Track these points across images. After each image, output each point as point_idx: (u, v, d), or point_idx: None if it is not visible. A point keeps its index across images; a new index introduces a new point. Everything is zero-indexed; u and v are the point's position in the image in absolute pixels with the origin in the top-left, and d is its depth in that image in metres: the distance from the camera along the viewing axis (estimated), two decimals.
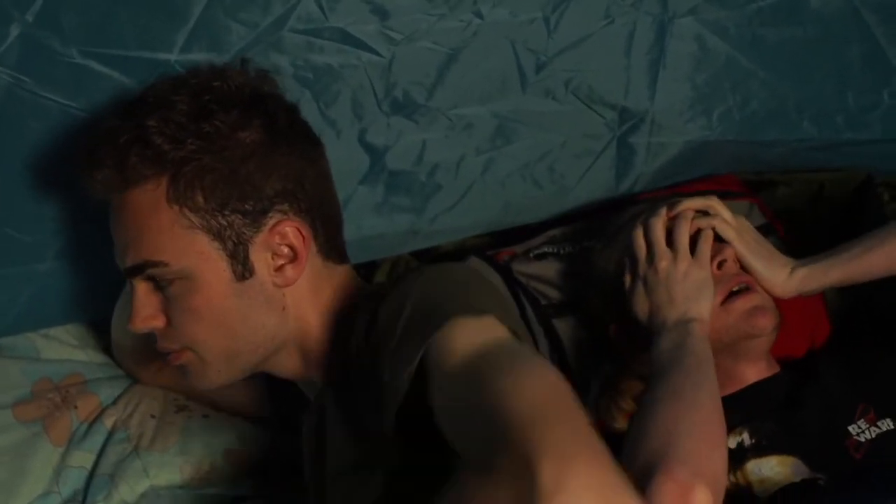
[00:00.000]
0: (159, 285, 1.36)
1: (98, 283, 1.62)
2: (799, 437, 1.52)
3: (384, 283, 1.49)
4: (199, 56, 1.43)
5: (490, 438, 0.97)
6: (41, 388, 1.67)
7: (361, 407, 1.31)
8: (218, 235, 1.33)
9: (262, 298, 1.37)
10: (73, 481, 1.60)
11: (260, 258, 1.35)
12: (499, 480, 0.93)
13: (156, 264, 1.33)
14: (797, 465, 1.48)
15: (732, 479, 1.49)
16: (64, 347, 1.73)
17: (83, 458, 1.62)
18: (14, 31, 1.35)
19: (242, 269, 1.34)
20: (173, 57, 1.42)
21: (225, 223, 1.33)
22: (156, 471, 1.61)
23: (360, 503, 1.33)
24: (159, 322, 1.38)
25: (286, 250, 1.36)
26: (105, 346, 1.74)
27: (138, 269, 1.35)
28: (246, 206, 1.33)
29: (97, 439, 1.64)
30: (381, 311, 1.27)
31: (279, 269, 1.36)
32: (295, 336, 1.40)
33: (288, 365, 1.44)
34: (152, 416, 1.67)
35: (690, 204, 1.63)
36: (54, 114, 1.43)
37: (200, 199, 1.32)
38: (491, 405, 0.99)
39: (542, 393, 0.99)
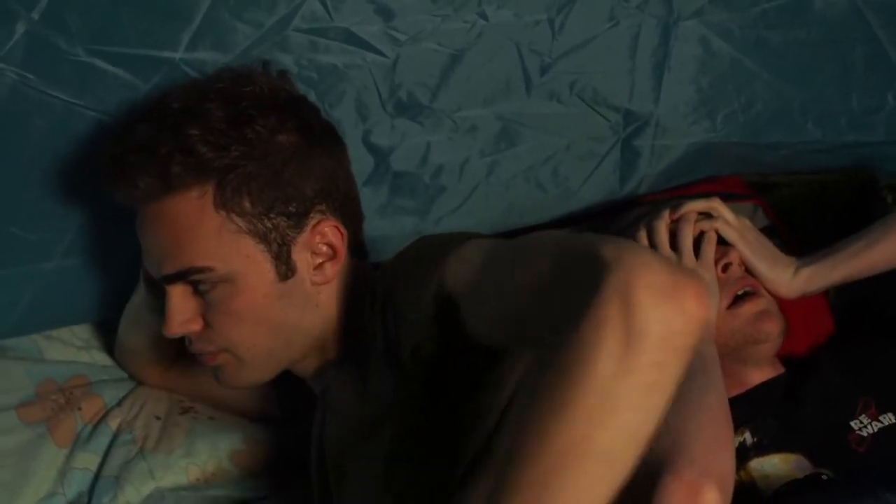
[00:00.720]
0: (198, 289, 1.37)
1: (103, 284, 1.63)
2: (800, 434, 1.52)
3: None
4: (204, 55, 1.43)
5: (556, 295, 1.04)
6: (45, 390, 1.66)
7: (372, 365, 1.35)
8: (264, 238, 1.36)
9: (301, 297, 1.40)
10: (77, 483, 1.60)
11: (301, 258, 1.39)
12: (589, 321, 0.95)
13: (201, 270, 1.35)
14: (800, 461, 1.48)
15: (735, 476, 1.49)
16: (68, 349, 1.73)
17: (88, 460, 1.62)
18: (20, 29, 1.36)
19: (286, 269, 1.37)
20: (178, 55, 1.42)
21: (270, 226, 1.36)
22: (161, 472, 1.61)
23: (367, 466, 1.34)
24: (197, 326, 1.39)
25: (325, 248, 1.40)
26: (109, 347, 1.74)
27: (180, 276, 1.36)
28: (290, 208, 1.36)
29: (102, 441, 1.63)
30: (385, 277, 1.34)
31: (319, 266, 1.40)
32: (321, 334, 1.43)
33: (312, 361, 1.46)
34: (157, 418, 1.67)
35: (693, 206, 1.63)
36: (60, 112, 1.43)
37: (247, 204, 1.34)
38: (535, 275, 1.08)
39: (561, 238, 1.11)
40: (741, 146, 1.75)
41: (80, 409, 1.66)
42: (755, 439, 1.53)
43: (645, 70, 1.65)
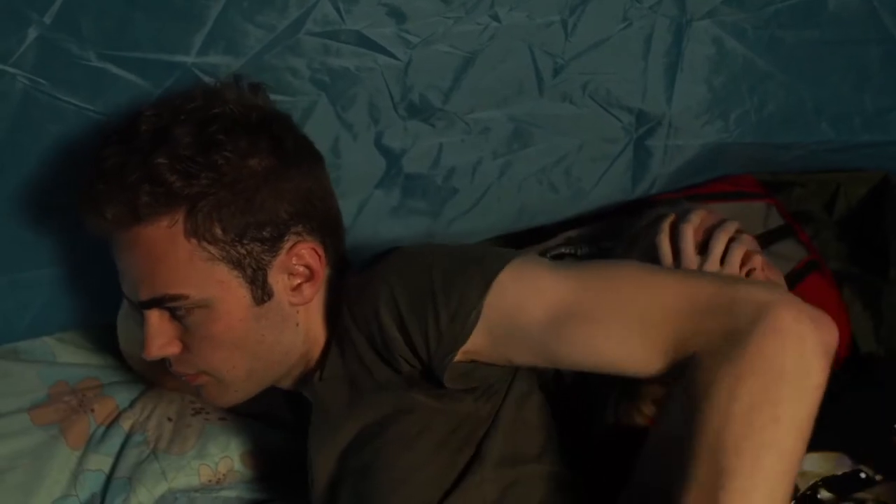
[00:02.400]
0: (175, 314, 1.36)
1: (114, 286, 1.62)
2: (844, 434, 1.50)
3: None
4: (217, 59, 1.43)
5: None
6: (58, 392, 1.67)
7: (362, 367, 1.37)
8: (237, 264, 1.34)
9: (279, 319, 1.39)
10: (90, 484, 1.60)
11: (278, 280, 1.37)
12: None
13: (175, 297, 1.34)
14: (841, 459, 1.47)
15: None
16: (80, 351, 1.73)
17: (101, 462, 1.62)
18: (32, 33, 1.35)
19: (262, 293, 1.36)
20: (190, 59, 1.42)
21: (244, 252, 1.34)
22: (174, 473, 1.61)
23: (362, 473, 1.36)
24: (175, 349, 1.39)
25: (303, 270, 1.39)
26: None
27: (155, 303, 1.35)
28: (263, 233, 1.35)
29: (115, 442, 1.63)
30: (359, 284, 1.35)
31: (296, 288, 1.39)
32: (308, 348, 1.43)
33: (295, 375, 1.46)
34: (169, 419, 1.67)
35: (735, 225, 1.63)
36: (72, 117, 1.43)
37: (219, 232, 1.32)
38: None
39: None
40: (754, 146, 1.74)
41: (92, 410, 1.66)
42: None
43: (658, 71, 1.64)
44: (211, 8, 1.40)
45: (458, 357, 1.29)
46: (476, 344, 1.28)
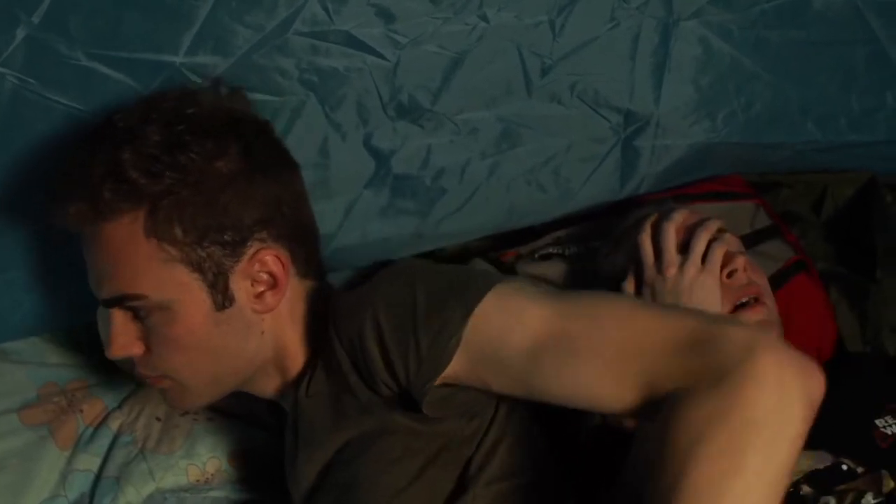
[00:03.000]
0: (138, 315, 1.36)
1: None
2: (825, 431, 1.50)
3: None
4: (205, 59, 1.42)
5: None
6: (47, 392, 1.66)
7: (347, 387, 1.35)
8: (197, 267, 1.33)
9: (242, 325, 1.38)
10: (79, 484, 1.60)
11: (240, 287, 1.37)
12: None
13: (134, 297, 1.34)
14: (821, 455, 1.47)
15: None
16: (69, 352, 1.73)
17: (89, 462, 1.62)
18: (20, 33, 1.35)
19: (223, 298, 1.35)
20: (179, 59, 1.42)
21: (204, 255, 1.33)
22: (162, 473, 1.61)
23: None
24: (137, 350, 1.39)
25: (266, 277, 1.38)
26: None
27: (115, 301, 1.35)
28: (225, 237, 1.34)
29: (103, 442, 1.64)
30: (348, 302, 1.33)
31: (259, 295, 1.38)
32: (274, 357, 1.43)
33: (267, 385, 1.46)
34: (158, 419, 1.67)
35: (718, 223, 1.63)
36: (61, 116, 1.42)
37: (179, 233, 1.32)
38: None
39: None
40: (742, 146, 1.75)
41: (81, 411, 1.66)
42: None
43: (645, 71, 1.65)
44: (199, 8, 1.40)
45: (438, 382, 1.28)
46: (455, 370, 1.27)
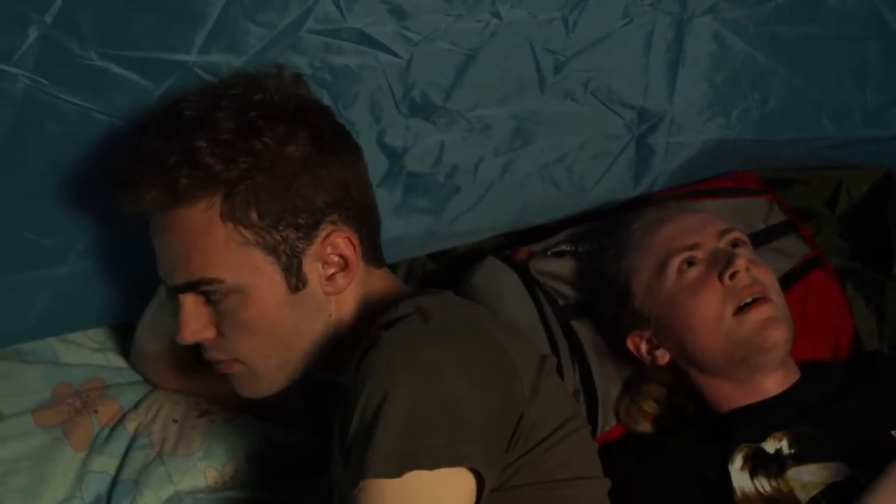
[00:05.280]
0: (210, 299, 1.37)
1: (118, 287, 1.62)
2: (842, 442, 1.49)
3: (418, 292, 1.47)
4: (218, 57, 1.42)
5: None
6: (61, 393, 1.66)
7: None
8: (273, 250, 1.35)
9: (313, 307, 1.39)
10: (95, 486, 1.59)
11: (312, 269, 1.38)
12: None
13: (210, 281, 1.35)
14: (838, 467, 1.46)
15: (774, 485, 1.47)
16: (83, 352, 1.72)
17: (106, 464, 1.61)
18: (33, 33, 1.35)
19: (296, 280, 1.37)
20: (191, 58, 1.42)
21: (279, 238, 1.35)
22: (180, 476, 1.60)
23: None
24: (209, 334, 1.40)
25: (337, 259, 1.39)
26: (125, 350, 1.74)
27: (191, 287, 1.37)
28: (299, 220, 1.35)
29: (120, 444, 1.63)
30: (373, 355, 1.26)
31: (330, 277, 1.39)
32: (334, 337, 1.42)
33: (327, 366, 1.45)
34: (175, 421, 1.66)
35: None
36: (73, 116, 1.42)
37: (255, 217, 1.33)
38: None
39: None
40: (756, 143, 1.74)
41: (96, 412, 1.65)
42: (793, 449, 1.50)
43: (659, 67, 1.65)
44: (212, 6, 1.40)
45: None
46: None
